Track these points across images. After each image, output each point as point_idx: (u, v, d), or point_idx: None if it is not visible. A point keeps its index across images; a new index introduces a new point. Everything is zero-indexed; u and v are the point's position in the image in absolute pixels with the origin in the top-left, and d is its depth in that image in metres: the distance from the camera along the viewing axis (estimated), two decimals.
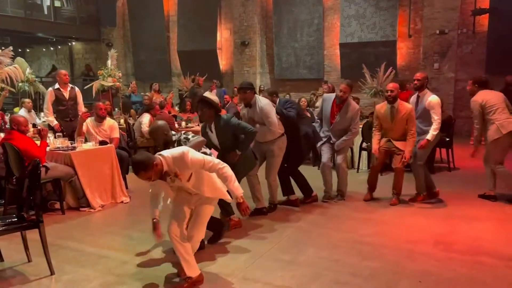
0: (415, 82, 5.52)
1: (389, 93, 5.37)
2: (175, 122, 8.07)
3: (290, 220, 5.01)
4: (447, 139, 7.45)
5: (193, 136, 4.18)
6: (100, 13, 16.35)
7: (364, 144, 7.49)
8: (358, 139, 7.58)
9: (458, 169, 7.57)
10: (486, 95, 5.48)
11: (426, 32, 12.01)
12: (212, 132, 4.61)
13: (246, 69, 14.26)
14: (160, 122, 4.13)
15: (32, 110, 9.05)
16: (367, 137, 7.32)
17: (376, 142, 5.62)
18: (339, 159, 5.59)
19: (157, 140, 4.14)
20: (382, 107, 5.56)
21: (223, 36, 15.06)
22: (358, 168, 7.69)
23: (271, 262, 3.82)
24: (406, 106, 5.37)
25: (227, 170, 3.28)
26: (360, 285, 3.37)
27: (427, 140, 5.34)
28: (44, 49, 18.32)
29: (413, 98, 5.67)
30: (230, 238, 4.37)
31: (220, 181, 3.42)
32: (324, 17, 13.51)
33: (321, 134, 5.65)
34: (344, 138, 5.53)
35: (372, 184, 5.76)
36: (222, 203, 4.34)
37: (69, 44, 17.48)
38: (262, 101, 5.02)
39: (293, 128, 5.27)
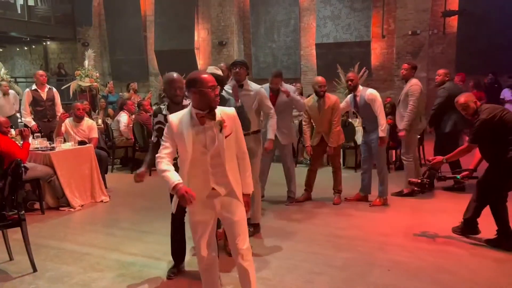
0: (349, 83, 5.43)
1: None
2: None
3: (267, 216, 5.17)
4: (418, 136, 7.73)
5: None
6: (76, 12, 16.16)
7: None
8: None
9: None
10: (420, 84, 5.74)
11: (399, 32, 12.37)
12: None
13: None
14: (175, 75, 3.42)
15: None
16: (345, 134, 7.55)
17: (308, 138, 5.66)
18: (286, 159, 5.49)
19: (166, 92, 3.50)
20: (309, 100, 5.64)
21: (201, 36, 15.13)
22: None
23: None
24: (332, 98, 5.45)
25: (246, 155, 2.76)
26: (334, 274, 3.55)
27: (381, 137, 5.23)
28: (17, 49, 18.02)
29: (350, 98, 5.62)
30: None
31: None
32: (300, 17, 13.74)
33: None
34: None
35: (309, 184, 5.78)
36: None
37: (44, 43, 17.21)
38: (255, 85, 4.64)
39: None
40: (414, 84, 5.67)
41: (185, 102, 3.44)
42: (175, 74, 3.44)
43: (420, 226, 4.72)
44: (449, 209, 5.25)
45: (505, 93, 10.00)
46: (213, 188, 2.63)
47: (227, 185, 2.64)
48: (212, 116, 2.55)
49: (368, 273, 3.59)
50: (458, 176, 4.27)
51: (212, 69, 3.94)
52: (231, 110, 2.68)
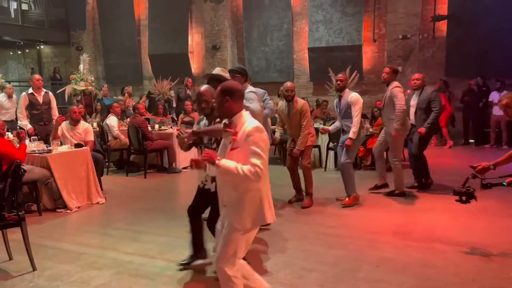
0: (338, 82, 5.55)
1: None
2: (148, 125, 8.23)
3: None
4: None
5: None
6: (70, 16, 16.20)
7: (331, 144, 7.87)
8: (325, 139, 7.99)
9: None
10: (401, 86, 5.82)
11: (389, 37, 12.56)
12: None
13: None
14: (202, 89, 3.39)
15: None
16: (334, 137, 7.70)
17: (278, 133, 5.85)
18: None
19: (196, 105, 3.54)
20: (281, 105, 5.81)
21: (195, 40, 15.24)
22: (325, 167, 8.08)
23: None
24: (299, 102, 5.56)
25: (251, 168, 2.49)
26: (325, 271, 3.68)
27: (350, 139, 5.38)
28: (11, 53, 18.01)
29: (336, 100, 5.79)
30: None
31: (269, 206, 2.71)
32: (293, 22, 13.89)
33: None
34: None
35: (296, 187, 5.87)
36: None
37: (38, 47, 17.25)
38: (247, 90, 4.33)
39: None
40: (395, 87, 5.73)
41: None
42: (202, 88, 3.39)
43: (409, 224, 4.87)
44: (437, 208, 5.41)
45: (493, 96, 10.21)
46: None
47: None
48: (225, 126, 2.66)
49: (357, 269, 3.73)
50: (505, 183, 3.78)
51: (219, 70, 3.96)
52: (253, 125, 2.58)
